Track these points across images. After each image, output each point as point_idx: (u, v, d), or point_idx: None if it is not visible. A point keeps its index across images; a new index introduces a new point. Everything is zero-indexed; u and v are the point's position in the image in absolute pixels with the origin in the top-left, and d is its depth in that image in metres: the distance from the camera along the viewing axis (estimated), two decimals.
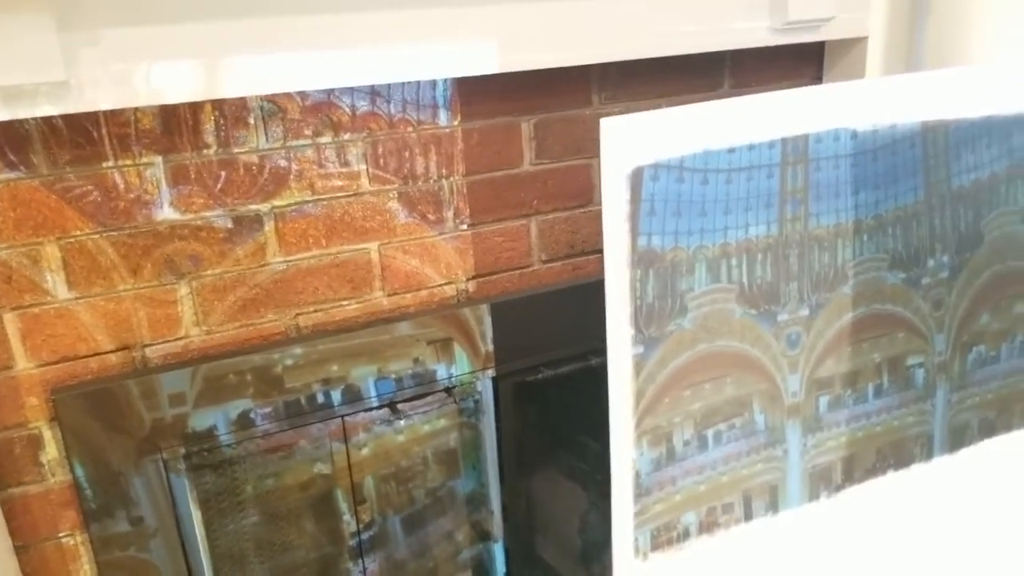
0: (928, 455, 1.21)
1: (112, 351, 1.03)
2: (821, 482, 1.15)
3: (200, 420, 1.05)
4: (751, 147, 0.97)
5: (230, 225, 1.03)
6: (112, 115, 0.94)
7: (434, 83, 1.10)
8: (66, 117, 0.90)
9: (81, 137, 0.95)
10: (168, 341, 1.04)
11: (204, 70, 0.87)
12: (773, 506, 1.13)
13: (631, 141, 0.90)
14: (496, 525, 1.29)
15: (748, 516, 1.11)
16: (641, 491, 1.03)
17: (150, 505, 1.07)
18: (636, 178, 0.91)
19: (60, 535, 1.04)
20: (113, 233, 1.00)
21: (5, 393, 0.97)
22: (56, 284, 0.98)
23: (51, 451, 1.01)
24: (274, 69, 0.90)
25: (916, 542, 1.22)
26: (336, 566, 1.20)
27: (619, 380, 0.97)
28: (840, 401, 1.13)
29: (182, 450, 1.05)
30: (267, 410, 1.08)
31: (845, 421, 1.14)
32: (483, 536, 1.29)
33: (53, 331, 0.99)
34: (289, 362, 1.07)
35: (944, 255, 1.14)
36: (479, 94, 1.12)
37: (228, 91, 0.89)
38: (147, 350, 1.04)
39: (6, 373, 0.97)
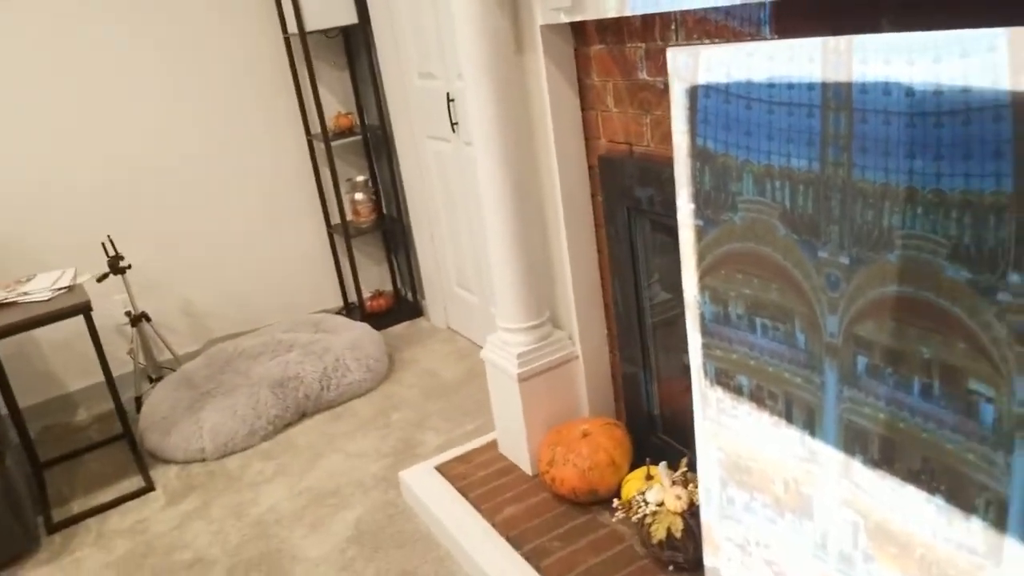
0: (999, 523, 0.93)
1: (623, 143, 1.85)
2: (857, 443, 1.11)
3: (638, 192, 1.81)
4: (790, 85, 1.06)
5: (662, 87, 1.65)
6: (626, 19, 1.68)
7: (761, 6, 1.33)
8: (615, 19, 1.70)
9: (618, 30, 1.73)
10: (640, 145, 1.78)
11: None
12: (810, 427, 1.19)
13: (687, 66, 1.18)
14: None
15: (789, 418, 1.22)
16: (706, 330, 1.34)
17: (623, 225, 1.91)
18: (693, 94, 1.20)
19: (593, 226, 2.04)
20: (624, 81, 1.77)
21: (595, 149, 1.97)
22: (610, 103, 1.85)
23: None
24: None
25: None
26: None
27: (685, 237, 1.30)
28: (879, 374, 1.04)
29: (630, 204, 1.84)
30: (660, 198, 1.72)
31: (885, 399, 1.04)
32: None
33: (607, 127, 1.88)
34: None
35: None
36: (790, 14, 1.27)
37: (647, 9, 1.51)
38: (633, 147, 1.81)
39: (597, 141, 1.96)
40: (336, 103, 3.62)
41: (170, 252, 3.43)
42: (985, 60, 0.84)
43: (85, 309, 2.37)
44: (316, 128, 3.49)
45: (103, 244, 3.05)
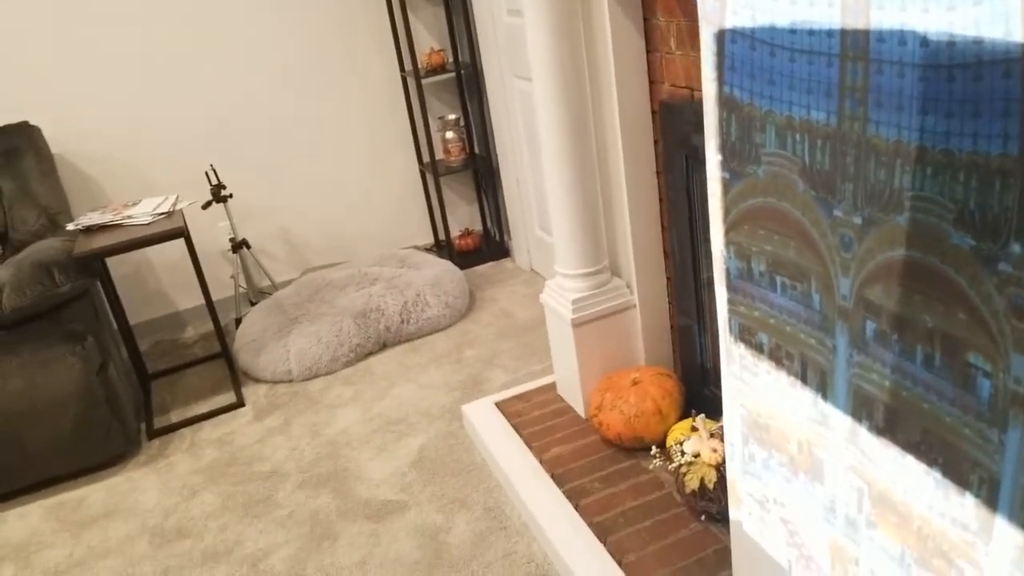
0: (991, 501, 0.89)
1: (684, 88, 1.78)
2: (864, 409, 1.07)
3: (695, 140, 1.74)
4: (811, 32, 1.00)
5: None
6: None
7: None
8: None
9: None
10: (700, 91, 1.72)
11: None
12: (822, 390, 1.15)
13: (714, 8, 1.13)
14: None
15: (804, 380, 1.19)
16: (731, 285, 1.31)
17: (681, 174, 1.86)
18: (720, 38, 1.14)
19: (655, 173, 1.99)
20: (686, 21, 1.69)
21: (658, 93, 1.90)
22: (673, 44, 1.78)
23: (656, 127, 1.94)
24: None
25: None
26: None
27: (713, 189, 1.26)
28: (886, 340, 1.00)
29: (688, 152, 1.78)
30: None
31: (891, 367, 1.00)
32: None
33: (670, 70, 1.81)
34: None
35: None
36: None
37: None
38: (694, 93, 1.74)
39: (660, 84, 1.89)
40: (431, 39, 3.65)
41: (271, 183, 3.62)
42: (996, 7, 0.77)
43: (180, 234, 2.56)
44: (410, 65, 3.54)
45: (207, 173, 3.26)
